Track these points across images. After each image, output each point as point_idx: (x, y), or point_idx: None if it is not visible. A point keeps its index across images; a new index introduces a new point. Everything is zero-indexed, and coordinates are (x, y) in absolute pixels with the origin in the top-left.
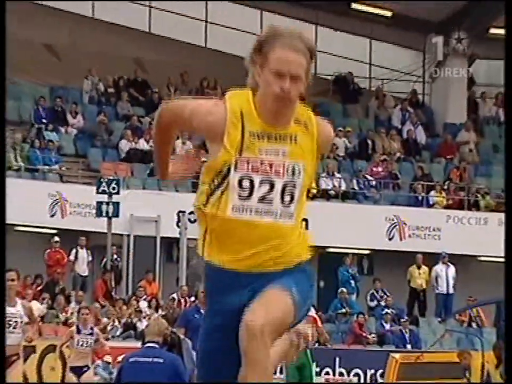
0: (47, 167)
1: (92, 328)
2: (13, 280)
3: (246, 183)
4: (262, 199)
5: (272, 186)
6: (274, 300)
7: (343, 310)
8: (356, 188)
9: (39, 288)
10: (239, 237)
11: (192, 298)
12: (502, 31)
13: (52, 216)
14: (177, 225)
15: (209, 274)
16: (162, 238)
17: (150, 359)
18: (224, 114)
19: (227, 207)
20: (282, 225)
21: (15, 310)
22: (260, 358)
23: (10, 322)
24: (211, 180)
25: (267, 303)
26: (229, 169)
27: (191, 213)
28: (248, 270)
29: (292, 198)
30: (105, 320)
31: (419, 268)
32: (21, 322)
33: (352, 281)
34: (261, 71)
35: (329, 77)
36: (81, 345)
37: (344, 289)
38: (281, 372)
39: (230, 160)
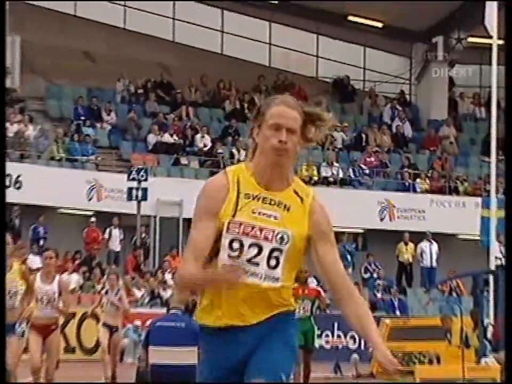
0: (85, 157)
1: (118, 290)
2: (51, 258)
3: (236, 245)
4: (249, 261)
5: (260, 250)
6: None
7: None
8: (352, 175)
9: (78, 262)
10: (226, 295)
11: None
12: (477, 40)
13: (89, 200)
14: None
15: (201, 336)
16: (184, 219)
17: (174, 324)
18: (227, 187)
19: (218, 267)
20: (267, 287)
21: (50, 287)
22: None
23: (43, 299)
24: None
25: None
26: (221, 235)
27: None
28: (233, 324)
29: (277, 263)
30: (135, 290)
31: (406, 244)
32: (54, 299)
33: (349, 256)
34: (259, 131)
35: (328, 80)
36: (109, 305)
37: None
38: None
39: (222, 227)
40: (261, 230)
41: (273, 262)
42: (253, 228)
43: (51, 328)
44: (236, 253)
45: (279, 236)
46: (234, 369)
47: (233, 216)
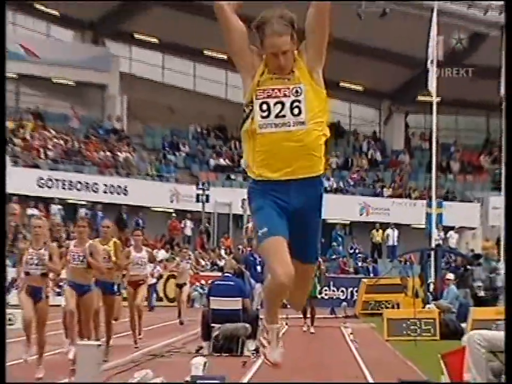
0: (168, 174)
1: (188, 260)
2: (138, 235)
3: (264, 107)
4: (277, 116)
5: (283, 105)
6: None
7: (334, 256)
8: (342, 186)
9: (163, 242)
10: (269, 147)
11: (249, 249)
12: (425, 98)
13: (171, 202)
14: (241, 207)
15: (253, 191)
16: (233, 214)
17: (226, 282)
18: (259, 63)
19: (256, 126)
20: (296, 130)
21: (140, 254)
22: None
23: (139, 263)
24: (246, 109)
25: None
26: (252, 100)
27: None
28: (279, 177)
29: (300, 111)
30: (201, 261)
31: (377, 231)
32: (142, 263)
33: (340, 239)
34: (263, 44)
35: None
36: (181, 271)
37: (335, 243)
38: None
39: (254, 92)
40: (279, 90)
41: (296, 111)
42: (273, 90)
43: (139, 283)
44: (266, 113)
45: (294, 90)
46: (281, 206)
47: (258, 85)
